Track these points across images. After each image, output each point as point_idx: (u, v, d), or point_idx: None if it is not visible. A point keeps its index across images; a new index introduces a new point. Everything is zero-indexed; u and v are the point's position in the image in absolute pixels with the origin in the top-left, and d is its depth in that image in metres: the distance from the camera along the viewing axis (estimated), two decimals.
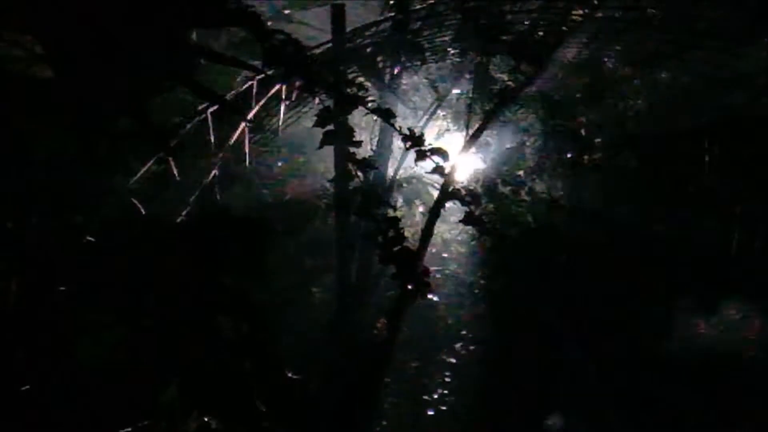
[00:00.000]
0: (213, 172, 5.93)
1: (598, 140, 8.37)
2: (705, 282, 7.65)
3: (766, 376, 7.21)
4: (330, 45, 6.29)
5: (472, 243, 8.97)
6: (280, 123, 6.06)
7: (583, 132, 8.28)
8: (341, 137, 2.44)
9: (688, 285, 7.70)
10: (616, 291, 7.83)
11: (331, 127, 2.45)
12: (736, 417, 7.13)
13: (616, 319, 7.72)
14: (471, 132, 6.79)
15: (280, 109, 5.83)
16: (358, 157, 2.51)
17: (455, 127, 8.05)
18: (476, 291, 8.92)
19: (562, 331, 7.72)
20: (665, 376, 7.44)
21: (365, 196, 2.51)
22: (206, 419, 1.74)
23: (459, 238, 9.31)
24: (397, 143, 6.73)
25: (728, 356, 7.38)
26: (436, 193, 6.59)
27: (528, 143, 8.17)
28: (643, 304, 7.72)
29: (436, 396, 8.78)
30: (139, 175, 4.59)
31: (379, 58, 6.53)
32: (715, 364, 7.43)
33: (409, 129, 2.54)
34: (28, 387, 1.63)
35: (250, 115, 5.67)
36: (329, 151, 2.63)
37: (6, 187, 1.64)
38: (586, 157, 8.26)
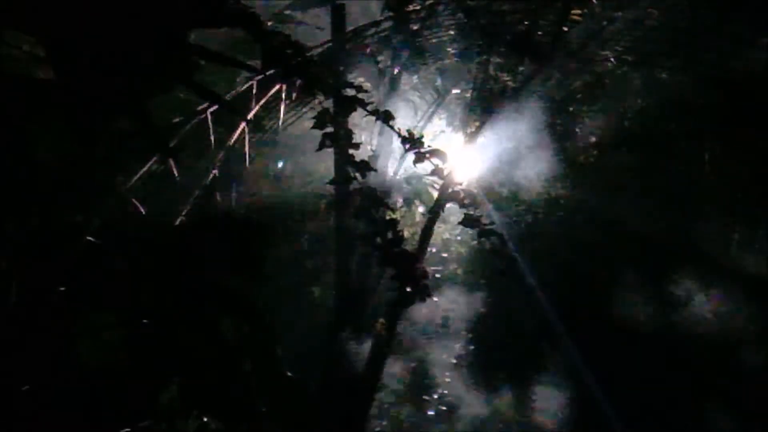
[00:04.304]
0: (213, 172, 5.93)
1: (596, 140, 8.37)
2: (704, 280, 7.65)
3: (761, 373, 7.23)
4: (330, 45, 6.30)
5: (473, 243, 8.96)
6: (280, 123, 6.06)
7: (581, 131, 8.28)
8: (340, 139, 2.44)
9: (686, 284, 7.71)
10: (616, 291, 7.83)
11: (330, 129, 2.45)
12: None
13: (616, 319, 7.72)
14: (470, 132, 6.79)
15: (280, 109, 5.83)
16: (357, 158, 2.51)
17: (454, 128, 8.05)
18: (476, 291, 8.91)
19: (561, 330, 7.72)
20: (666, 381, 7.44)
21: (364, 197, 2.51)
22: (206, 419, 1.74)
23: (459, 238, 9.30)
24: (397, 143, 6.72)
25: (723, 355, 7.39)
26: (436, 194, 6.59)
27: (527, 143, 8.16)
28: (643, 305, 7.72)
29: (436, 396, 8.77)
30: (139, 175, 4.59)
31: (379, 58, 6.53)
32: (712, 363, 7.43)
33: (408, 131, 2.54)
34: (28, 387, 1.63)
35: (250, 115, 5.67)
36: (329, 151, 2.64)
37: (6, 187, 1.64)
38: (584, 156, 8.25)
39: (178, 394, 1.69)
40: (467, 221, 2.77)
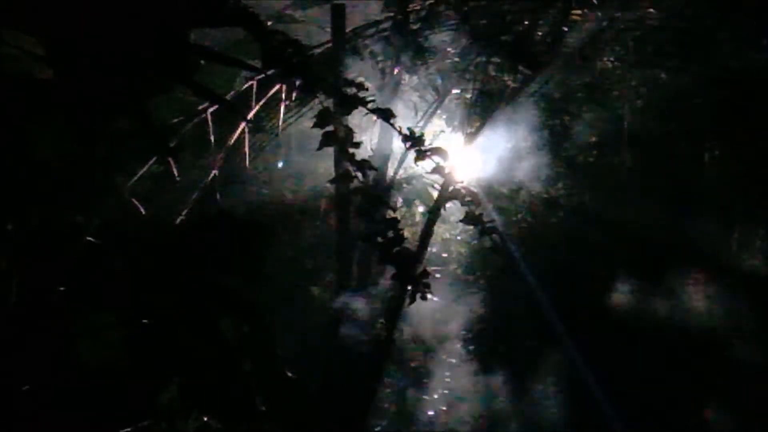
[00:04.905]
0: (213, 172, 5.94)
1: (596, 140, 8.37)
2: (703, 280, 7.65)
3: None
4: (330, 45, 6.30)
5: (473, 243, 8.96)
6: (280, 123, 6.06)
7: (581, 131, 8.29)
8: (340, 138, 2.43)
9: (685, 283, 7.71)
10: (616, 290, 7.83)
11: (330, 128, 2.44)
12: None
13: (616, 319, 7.72)
14: (470, 132, 6.79)
15: (280, 109, 5.84)
16: (358, 158, 2.50)
17: (454, 128, 8.05)
18: (476, 291, 8.91)
19: (561, 330, 7.72)
20: (666, 380, 7.44)
21: (365, 196, 2.50)
22: (206, 419, 1.74)
23: (459, 238, 9.30)
24: (398, 143, 6.70)
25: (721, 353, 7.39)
26: (436, 193, 6.60)
27: (527, 143, 8.17)
28: (643, 304, 7.72)
29: (436, 396, 8.77)
30: (139, 175, 4.59)
31: (379, 58, 6.53)
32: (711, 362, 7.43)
33: (408, 129, 2.54)
34: (28, 387, 1.63)
35: (250, 115, 5.67)
36: (329, 150, 2.63)
37: (6, 187, 1.64)
38: (584, 156, 8.26)
39: (178, 394, 1.69)
40: (468, 219, 2.75)
